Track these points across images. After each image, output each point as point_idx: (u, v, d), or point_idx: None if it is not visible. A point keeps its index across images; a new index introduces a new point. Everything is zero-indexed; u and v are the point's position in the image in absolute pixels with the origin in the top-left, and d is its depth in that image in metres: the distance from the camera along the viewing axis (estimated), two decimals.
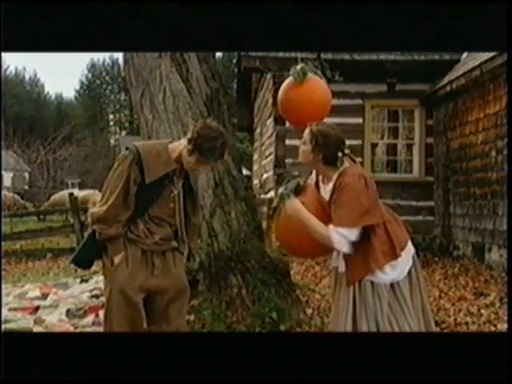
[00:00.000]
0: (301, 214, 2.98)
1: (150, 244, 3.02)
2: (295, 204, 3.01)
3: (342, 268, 3.04)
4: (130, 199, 2.94)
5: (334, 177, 2.97)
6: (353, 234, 2.87)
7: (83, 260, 3.15)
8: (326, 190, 3.05)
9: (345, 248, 2.89)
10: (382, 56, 9.81)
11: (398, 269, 2.94)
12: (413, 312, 2.96)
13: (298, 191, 3.13)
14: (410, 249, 3.03)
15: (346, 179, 2.91)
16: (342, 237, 2.85)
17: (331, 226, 2.87)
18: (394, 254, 2.93)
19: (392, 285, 2.95)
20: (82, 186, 29.60)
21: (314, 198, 3.11)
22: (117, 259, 2.99)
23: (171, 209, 3.04)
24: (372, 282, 2.92)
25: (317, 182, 3.16)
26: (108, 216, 2.93)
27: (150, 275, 3.04)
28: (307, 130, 3.03)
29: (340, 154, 2.98)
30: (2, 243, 10.04)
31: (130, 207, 2.96)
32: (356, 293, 2.95)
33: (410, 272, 3.00)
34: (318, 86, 3.52)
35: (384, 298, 2.91)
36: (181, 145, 3.00)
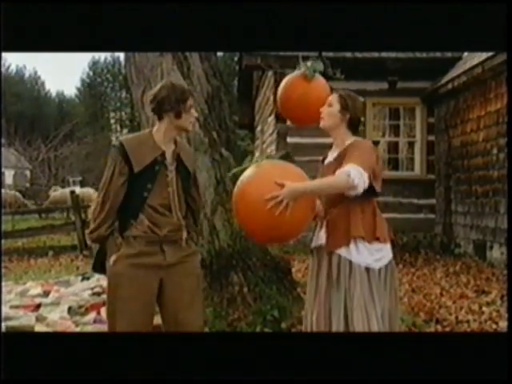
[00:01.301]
0: (303, 188, 2.85)
1: (156, 239, 2.90)
2: (290, 186, 2.78)
3: (322, 240, 3.03)
4: (115, 193, 2.87)
5: (346, 143, 3.04)
6: (366, 176, 2.83)
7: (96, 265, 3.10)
8: (332, 155, 3.12)
9: (361, 187, 2.82)
10: (384, 54, 9.79)
11: (374, 255, 2.93)
12: (379, 307, 2.95)
13: (285, 160, 3.09)
14: (388, 246, 3.03)
15: (357, 141, 3.02)
16: (359, 173, 2.80)
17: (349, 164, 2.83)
18: (373, 234, 2.93)
19: (368, 271, 2.92)
20: (83, 184, 29.60)
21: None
22: (111, 260, 2.91)
23: (171, 193, 2.93)
24: (350, 264, 2.90)
25: (323, 159, 3.21)
26: (95, 215, 2.91)
27: (161, 261, 2.91)
28: (334, 95, 3.10)
29: (362, 120, 3.15)
30: (4, 241, 10.08)
31: (115, 201, 2.88)
32: (333, 273, 2.95)
33: (386, 269, 2.99)
34: (323, 83, 3.52)
35: (359, 280, 2.89)
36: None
